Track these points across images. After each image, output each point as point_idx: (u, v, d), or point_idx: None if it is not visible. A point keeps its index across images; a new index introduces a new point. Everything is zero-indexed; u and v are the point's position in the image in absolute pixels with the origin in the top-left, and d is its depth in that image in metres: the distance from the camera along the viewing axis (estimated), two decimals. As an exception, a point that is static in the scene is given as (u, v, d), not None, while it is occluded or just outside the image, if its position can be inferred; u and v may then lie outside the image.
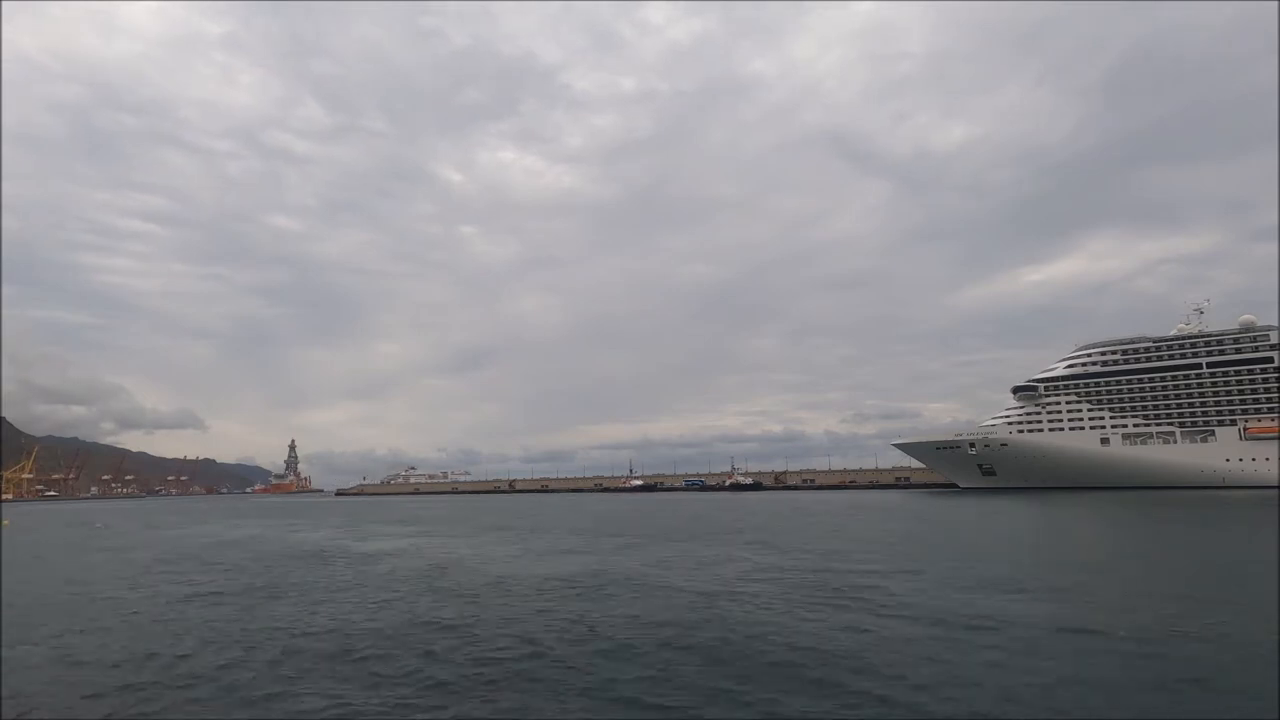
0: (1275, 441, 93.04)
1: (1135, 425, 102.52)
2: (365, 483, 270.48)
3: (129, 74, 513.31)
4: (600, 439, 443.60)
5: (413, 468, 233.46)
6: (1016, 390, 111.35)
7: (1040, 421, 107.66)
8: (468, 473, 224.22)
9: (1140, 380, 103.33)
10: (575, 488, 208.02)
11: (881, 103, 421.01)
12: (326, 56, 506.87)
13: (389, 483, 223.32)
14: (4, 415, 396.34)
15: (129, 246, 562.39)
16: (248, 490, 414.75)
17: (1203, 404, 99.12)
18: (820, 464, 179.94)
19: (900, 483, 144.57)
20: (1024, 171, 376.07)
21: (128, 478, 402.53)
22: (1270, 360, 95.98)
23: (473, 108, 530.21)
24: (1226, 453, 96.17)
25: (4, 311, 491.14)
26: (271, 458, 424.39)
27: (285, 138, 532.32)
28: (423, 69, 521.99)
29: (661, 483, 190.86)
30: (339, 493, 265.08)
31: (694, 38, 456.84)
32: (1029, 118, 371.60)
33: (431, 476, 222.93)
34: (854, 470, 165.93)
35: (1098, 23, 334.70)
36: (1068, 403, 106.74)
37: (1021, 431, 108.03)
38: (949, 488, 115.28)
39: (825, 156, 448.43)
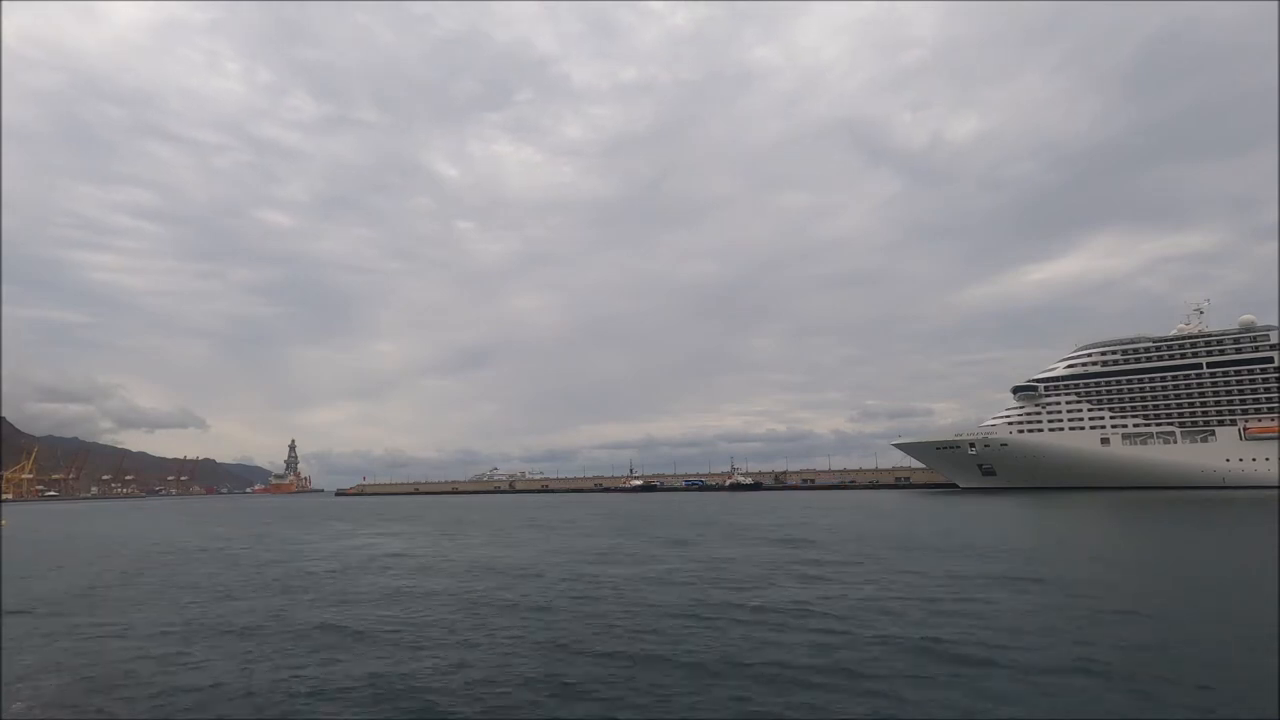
0: (1275, 441, 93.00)
1: (1135, 425, 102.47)
2: (365, 482, 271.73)
3: (111, 62, 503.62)
4: (602, 438, 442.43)
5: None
6: (1016, 390, 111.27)
7: (1040, 421, 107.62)
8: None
9: (1140, 380, 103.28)
10: (575, 487, 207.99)
11: (889, 93, 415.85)
12: (314, 44, 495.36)
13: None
14: (3, 415, 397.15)
15: (118, 242, 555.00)
16: (248, 490, 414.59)
17: (1203, 404, 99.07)
18: (821, 464, 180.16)
19: (900, 483, 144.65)
20: (1031, 168, 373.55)
21: (128, 477, 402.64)
22: (1270, 360, 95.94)
23: (467, 98, 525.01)
24: (1226, 453, 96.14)
25: (1, 310, 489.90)
26: (270, 457, 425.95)
27: (275, 130, 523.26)
28: (414, 58, 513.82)
29: (661, 482, 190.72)
30: (339, 493, 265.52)
31: (695, 25, 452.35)
32: (1036, 113, 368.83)
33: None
34: (854, 470, 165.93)
35: (1106, 20, 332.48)
36: (1068, 403, 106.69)
37: (1021, 431, 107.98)
38: (949, 488, 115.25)
39: (830, 149, 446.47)
